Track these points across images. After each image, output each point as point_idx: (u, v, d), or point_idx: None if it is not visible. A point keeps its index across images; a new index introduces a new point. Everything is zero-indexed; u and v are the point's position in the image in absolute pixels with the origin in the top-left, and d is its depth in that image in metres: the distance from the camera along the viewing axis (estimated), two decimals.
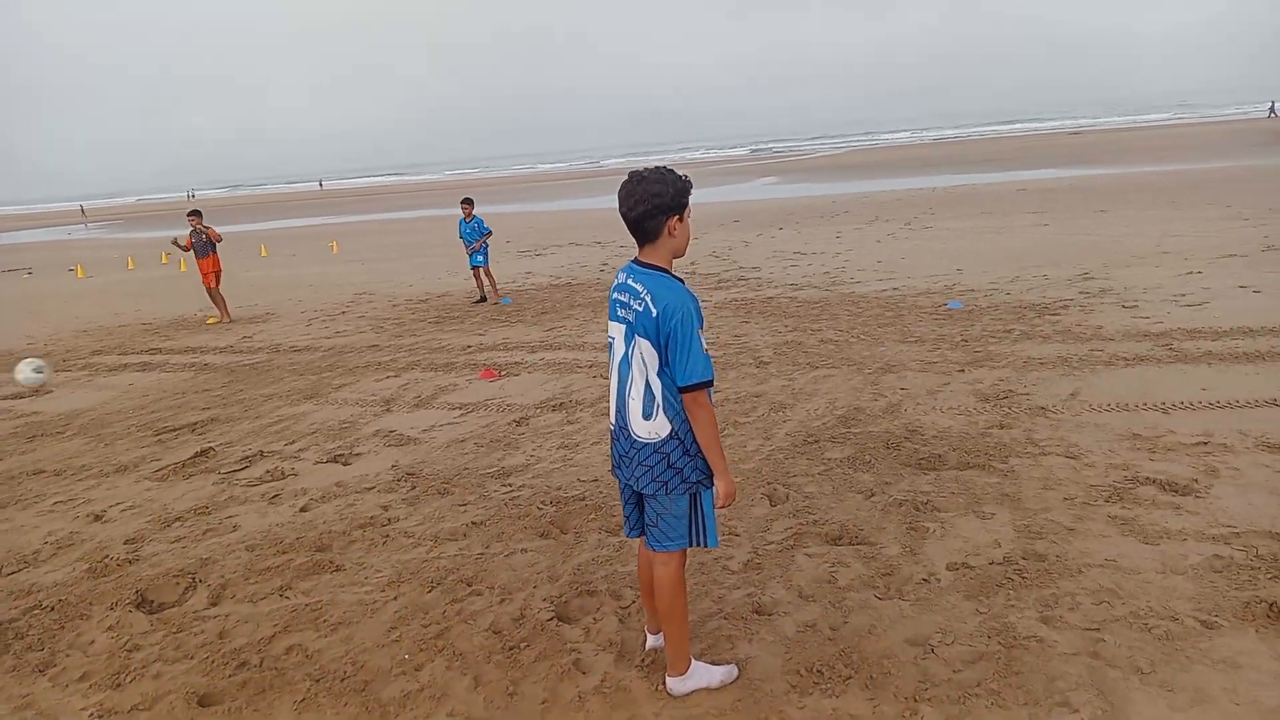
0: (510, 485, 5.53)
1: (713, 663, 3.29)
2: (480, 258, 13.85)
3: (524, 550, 4.54)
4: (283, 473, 6.12)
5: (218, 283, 14.15)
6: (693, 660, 3.19)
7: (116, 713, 3.34)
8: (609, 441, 6.09)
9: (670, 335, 2.88)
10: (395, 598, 4.12)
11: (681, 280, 3.03)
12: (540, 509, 5.07)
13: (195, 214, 14.11)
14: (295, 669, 3.56)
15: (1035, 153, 45.47)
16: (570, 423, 6.83)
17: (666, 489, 3.02)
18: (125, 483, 6.21)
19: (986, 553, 4.07)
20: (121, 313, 16.32)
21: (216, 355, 11.09)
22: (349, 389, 8.61)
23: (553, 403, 7.43)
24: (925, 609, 3.62)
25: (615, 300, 3.12)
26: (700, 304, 3.02)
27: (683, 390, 2.92)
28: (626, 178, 3.00)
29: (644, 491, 3.06)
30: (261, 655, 3.67)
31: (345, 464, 6.26)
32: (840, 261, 14.58)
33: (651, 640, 3.46)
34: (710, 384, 2.93)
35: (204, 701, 3.37)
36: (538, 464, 5.91)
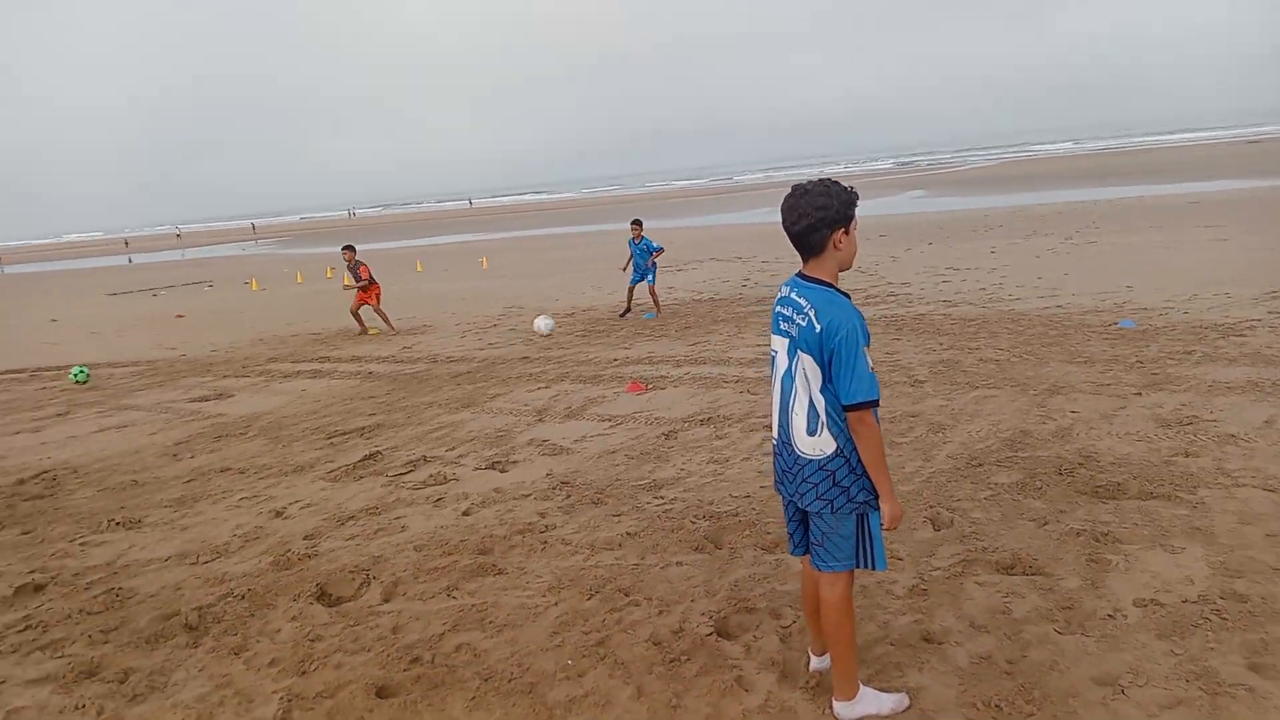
0: (663, 498, 5.56)
1: (882, 689, 3.19)
2: (651, 276, 14.02)
3: (679, 563, 4.54)
4: (445, 477, 6.36)
5: (379, 300, 14.92)
6: (861, 686, 3.11)
7: (303, 698, 3.53)
8: (761, 458, 6.08)
9: (834, 352, 2.83)
10: (556, 603, 4.20)
11: (847, 295, 2.98)
12: (694, 523, 5.07)
13: (349, 249, 15.02)
14: (465, 667, 3.68)
15: (1207, 163, 42.39)
16: (719, 438, 6.81)
17: (832, 507, 2.96)
18: (302, 482, 6.60)
19: (1178, 590, 3.79)
20: (293, 323, 17.43)
21: (380, 364, 11.68)
22: (503, 399, 8.88)
23: (700, 417, 7.44)
24: (1112, 646, 3.40)
25: (778, 314, 3.09)
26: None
27: (847, 409, 2.87)
28: (790, 191, 2.98)
29: (809, 509, 3.01)
30: (433, 652, 3.81)
31: (503, 471, 6.45)
32: (996, 278, 13.99)
33: (815, 662, 3.39)
34: (875, 403, 2.86)
35: (382, 693, 3.52)
36: (688, 478, 5.92)
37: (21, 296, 33.23)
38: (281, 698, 3.53)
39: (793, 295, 3.00)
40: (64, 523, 6.09)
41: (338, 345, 13.77)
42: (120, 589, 4.79)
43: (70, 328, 20.04)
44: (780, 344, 3.06)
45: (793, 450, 3.01)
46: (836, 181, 2.96)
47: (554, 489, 5.90)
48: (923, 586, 4.01)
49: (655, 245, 14.27)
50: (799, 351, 2.94)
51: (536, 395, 8.88)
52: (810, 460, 2.96)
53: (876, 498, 2.95)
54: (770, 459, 5.58)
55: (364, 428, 8.12)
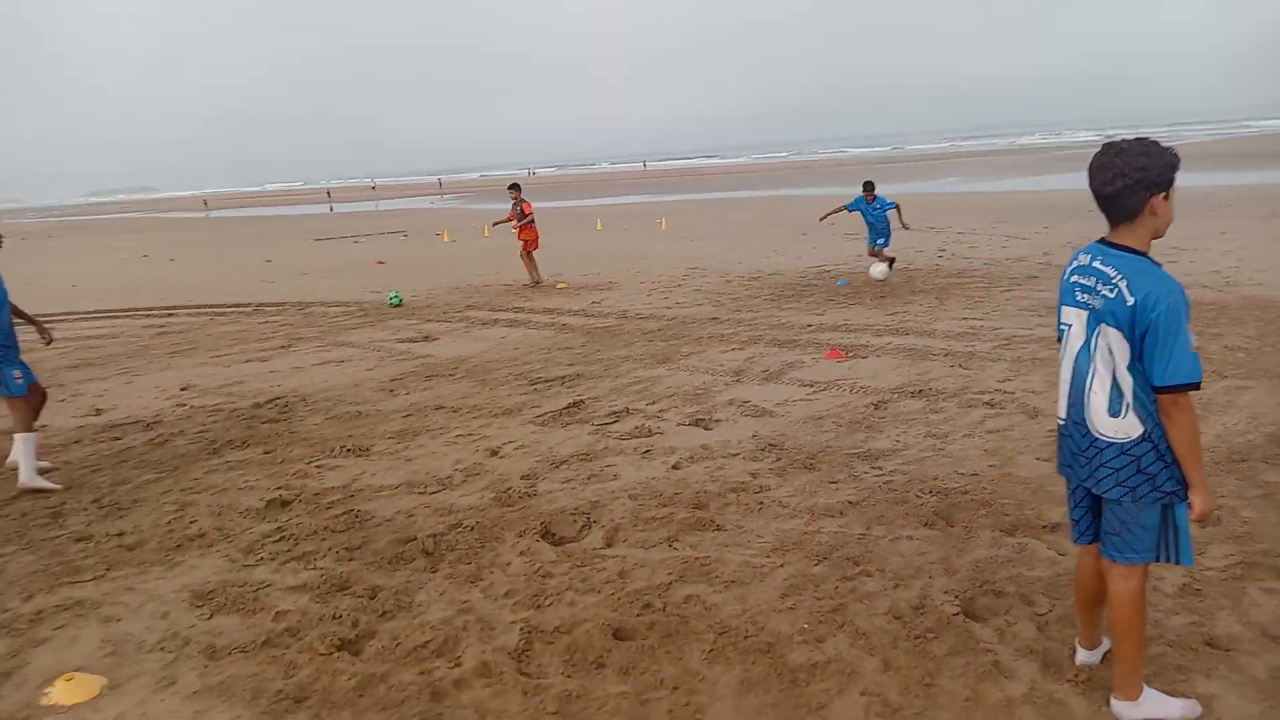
0: (880, 469, 5.35)
1: (1165, 692, 2.92)
2: (883, 240, 13.53)
3: (909, 537, 4.35)
4: (650, 430, 6.38)
5: (534, 246, 15.73)
6: (1145, 686, 2.85)
7: (542, 631, 3.60)
8: (985, 435, 5.71)
9: (1150, 328, 2.55)
10: (781, 565, 4.11)
11: (1160, 265, 2.68)
12: (919, 497, 4.85)
13: (514, 187, 15.57)
14: (697, 619, 3.65)
15: None
16: (934, 411, 6.50)
17: (1134, 495, 2.70)
18: (513, 424, 6.80)
19: None
20: (483, 274, 18.09)
21: (572, 318, 11.90)
22: (697, 357, 8.84)
23: (910, 389, 7.13)
24: None
25: (1074, 284, 2.82)
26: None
27: (1160, 391, 2.58)
28: (1102, 149, 2.70)
29: (1105, 495, 2.76)
30: (664, 600, 3.81)
31: (706, 428, 6.40)
32: (1231, 260, 12.71)
33: (1083, 655, 3.14)
34: (1196, 386, 2.56)
35: (618, 634, 3.54)
36: (906, 450, 5.67)
37: (236, 239, 36.15)
38: (521, 628, 3.62)
39: (1096, 264, 2.73)
40: (300, 446, 6.52)
41: (529, 297, 14.15)
42: (358, 511, 5.07)
43: (283, 268, 21.60)
44: (1075, 316, 2.81)
45: (1088, 432, 2.76)
46: (1156, 141, 2.67)
47: (762, 450, 5.80)
48: (1195, 586, 3.65)
49: (890, 203, 13.63)
50: (1102, 325, 2.68)
51: (731, 356, 8.79)
52: (1111, 443, 2.70)
53: (1185, 488, 2.67)
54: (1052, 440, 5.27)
55: (564, 377, 8.28)
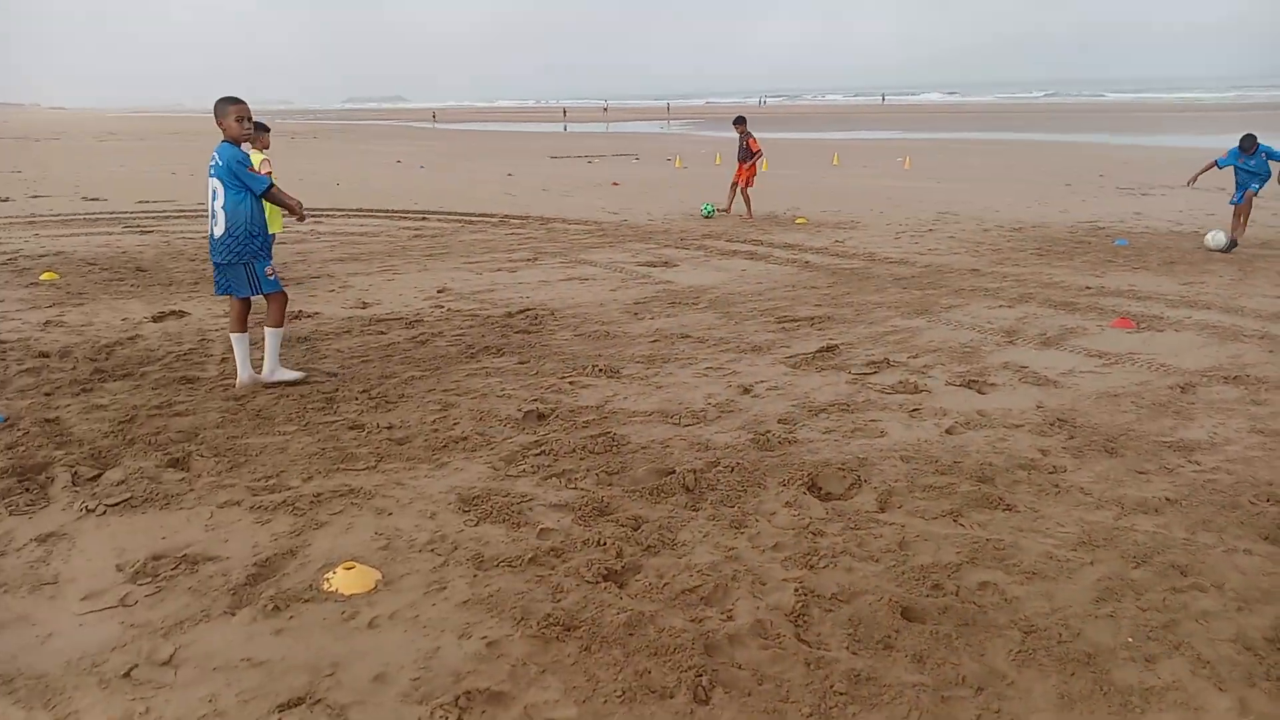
0: (1199, 464, 4.61)
1: None
2: (1255, 186, 11.66)
3: (1247, 551, 3.67)
4: (916, 387, 5.88)
5: (749, 184, 15.33)
6: None
7: (819, 596, 3.31)
8: None
9: None
10: (1091, 562, 3.57)
11: None
12: (1255, 504, 4.11)
13: (740, 120, 15.08)
14: (996, 611, 3.22)
15: None
16: (1257, 403, 5.57)
17: None
18: (763, 363, 6.48)
19: None
20: (719, 202, 17.74)
21: (814, 255, 11.37)
22: (959, 310, 8.14)
23: (1221, 373, 6.17)
24: None
25: None
26: None
27: None
28: None
29: None
30: (955, 583, 3.40)
31: (980, 392, 5.81)
32: None
33: None
34: None
35: (907, 614, 3.18)
36: (1228, 445, 4.87)
37: (479, 152, 37.72)
38: (796, 589, 3.34)
39: None
40: (552, 359, 6.53)
41: (767, 230, 13.70)
42: (614, 435, 4.95)
43: (523, 183, 22.23)
44: None
45: None
46: None
47: (1050, 425, 5.17)
48: None
49: (1277, 152, 11.66)
50: None
51: (999, 314, 8.01)
52: None
53: None
54: None
55: (813, 318, 7.86)
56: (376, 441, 4.88)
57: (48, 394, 5.69)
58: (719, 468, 4.49)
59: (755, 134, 15.90)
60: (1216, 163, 12.12)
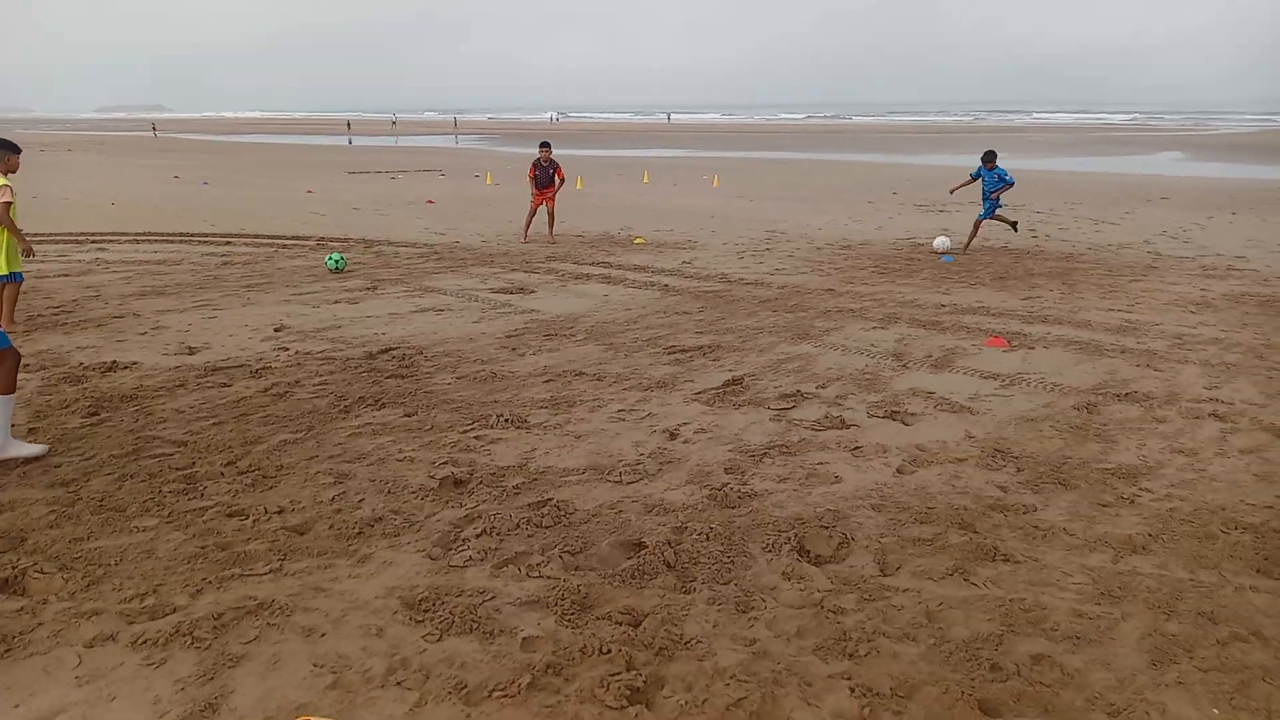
0: (1150, 491, 4.61)
1: None
2: (990, 209, 13.08)
3: (1254, 589, 3.62)
4: (842, 421, 5.63)
5: (553, 203, 14.63)
6: None
7: (878, 694, 2.88)
8: (1243, 456, 4.94)
9: None
10: (1121, 617, 3.38)
11: None
12: (1227, 533, 4.12)
13: (545, 145, 14.45)
14: (1067, 690, 2.92)
15: None
16: (1158, 420, 5.76)
17: None
18: (674, 401, 6.04)
19: None
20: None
21: (669, 278, 11.09)
22: (837, 333, 8.07)
23: (1111, 390, 6.37)
24: None
25: None
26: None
27: None
28: None
29: None
30: (1011, 661, 3.08)
31: (905, 424, 5.65)
32: None
33: None
34: None
35: (985, 708, 2.82)
36: (1162, 469, 4.93)
37: (265, 166, 35.05)
38: (850, 689, 2.89)
39: None
40: (442, 410, 5.77)
41: (610, 251, 13.33)
42: (555, 502, 4.33)
43: (328, 201, 20.67)
44: None
45: None
46: None
47: (991, 457, 5.05)
48: None
49: (1009, 178, 13.20)
50: None
51: (877, 336, 8.01)
52: None
53: None
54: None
55: (701, 347, 7.51)
56: (269, 533, 3.99)
57: None
58: (691, 535, 3.98)
59: (556, 150, 14.97)
60: (971, 175, 13.75)
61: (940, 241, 13.45)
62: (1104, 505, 4.42)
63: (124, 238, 14.02)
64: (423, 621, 3.27)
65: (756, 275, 11.27)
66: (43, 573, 3.54)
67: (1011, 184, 13.32)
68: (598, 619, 3.30)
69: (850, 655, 3.10)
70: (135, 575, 3.58)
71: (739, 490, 4.51)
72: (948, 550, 3.89)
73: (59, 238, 13.98)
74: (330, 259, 11.17)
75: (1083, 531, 4.11)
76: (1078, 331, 8.22)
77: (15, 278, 7.74)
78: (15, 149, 7.58)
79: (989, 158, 13.39)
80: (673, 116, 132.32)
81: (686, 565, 3.72)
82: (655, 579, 3.61)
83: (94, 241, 13.53)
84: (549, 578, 3.60)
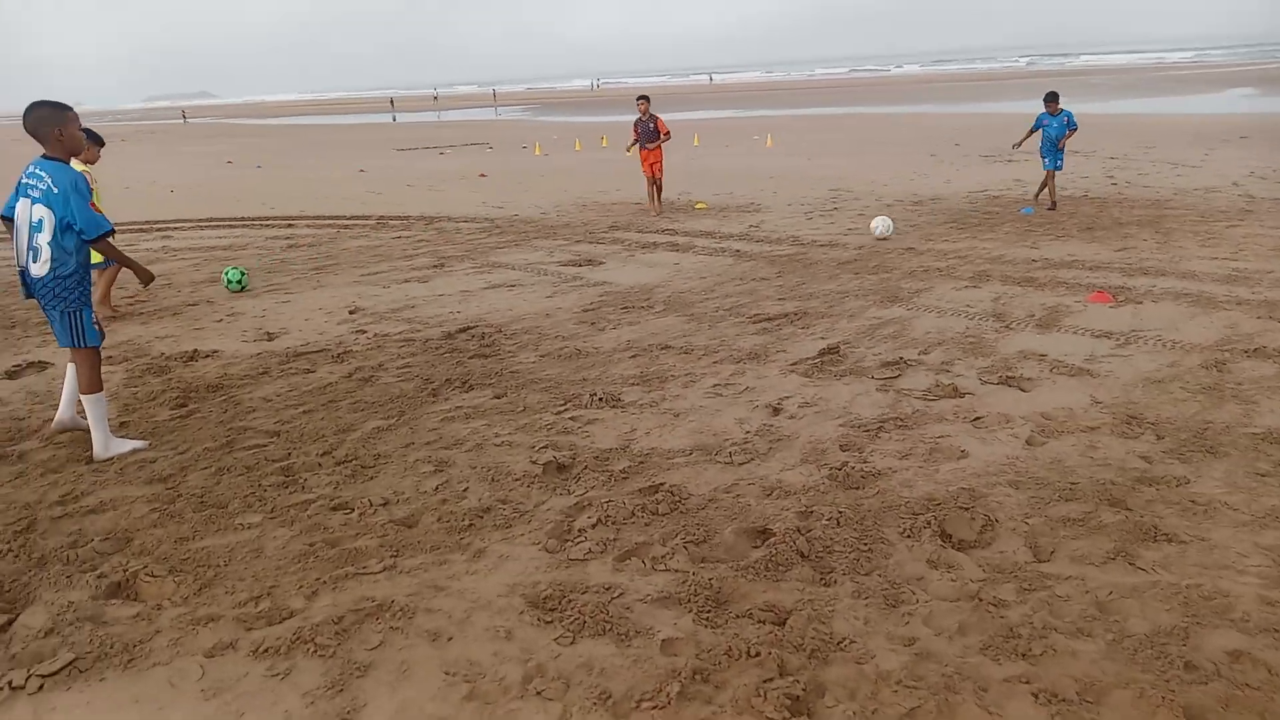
0: None
1: None
2: (1059, 161, 12.13)
3: None
4: (956, 389, 5.31)
5: (662, 173, 13.56)
6: None
7: (1064, 700, 2.61)
8: None
9: None
10: None
11: None
12: None
13: (643, 99, 13.61)
14: (1276, 692, 2.62)
15: None
16: None
17: None
18: (771, 373, 5.77)
19: None
20: (605, 190, 16.92)
21: (739, 243, 10.76)
22: (928, 294, 7.70)
23: (1235, 346, 5.94)
24: None
25: None
26: None
27: None
28: None
29: None
30: (1206, 659, 2.78)
31: (1023, 390, 5.31)
32: None
33: None
34: None
35: (1192, 715, 2.53)
36: None
37: (314, 147, 35.22)
38: (1032, 694, 2.63)
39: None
40: (532, 390, 5.57)
41: (673, 218, 13.00)
42: (667, 486, 4.10)
43: (381, 179, 20.61)
44: None
45: None
46: None
47: (1125, 424, 4.70)
48: None
49: (1075, 122, 12.18)
50: None
51: (970, 295, 7.62)
52: None
53: None
54: None
55: (788, 314, 7.21)
56: (377, 526, 3.83)
57: None
58: (820, 520, 3.73)
59: (660, 115, 13.64)
60: (1032, 126, 12.55)
61: (880, 224, 10.63)
62: (1262, 475, 4.06)
63: (186, 224, 14.07)
64: (552, 622, 3.07)
65: (830, 236, 10.88)
66: (154, 576, 3.42)
67: (1075, 128, 12.30)
68: (738, 617, 3.07)
69: (1024, 655, 2.82)
70: (246, 576, 3.43)
71: (860, 469, 4.23)
72: (1103, 531, 3.58)
73: (125, 227, 14.06)
74: (229, 276, 8.88)
75: (1246, 505, 3.77)
76: (1184, 283, 7.74)
77: (110, 262, 7.77)
78: (100, 140, 7.73)
79: (1052, 98, 12.26)
80: (714, 77, 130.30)
81: (821, 554, 3.47)
82: (790, 570, 3.36)
83: (158, 229, 13.60)
84: (677, 571, 3.38)
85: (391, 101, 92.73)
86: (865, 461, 4.34)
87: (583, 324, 7.20)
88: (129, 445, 4.71)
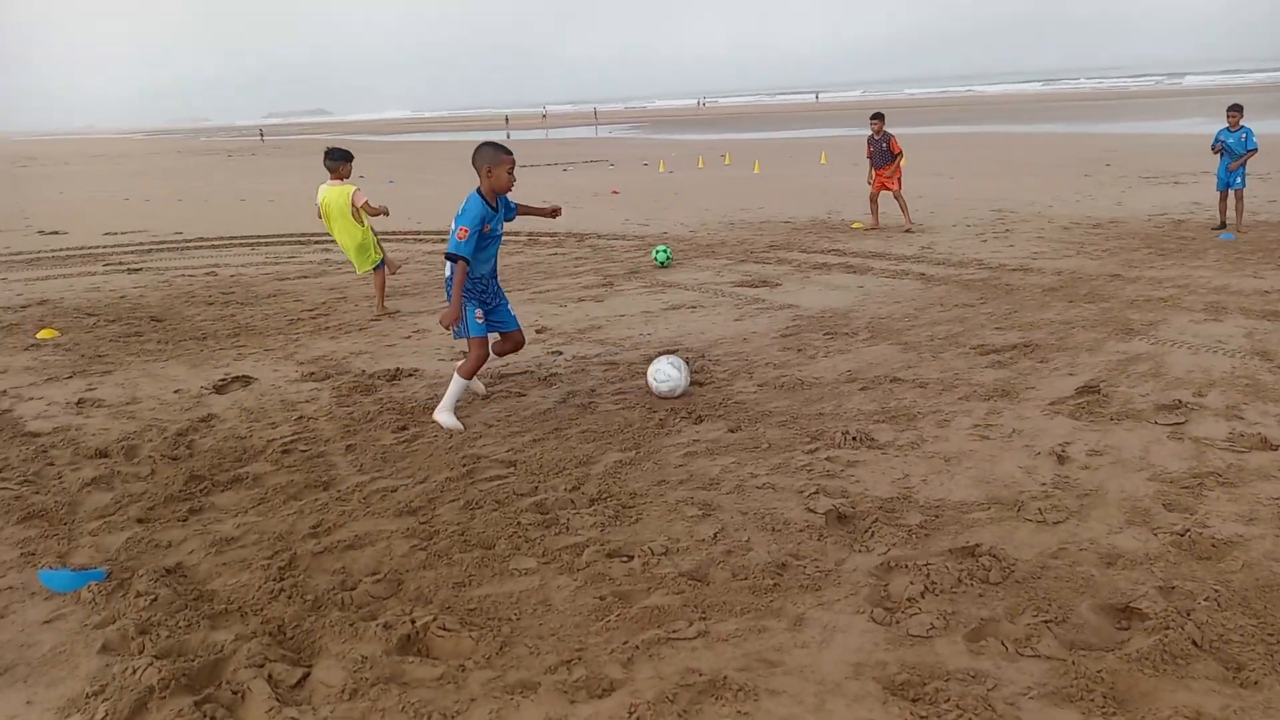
0: None
1: None
2: (1239, 179, 11.31)
3: None
4: (1265, 440, 4.64)
5: (899, 186, 12.99)
6: None
7: None
8: None
9: None
10: None
11: None
12: None
13: (877, 117, 13.00)
14: None
15: None
16: None
17: None
18: (1032, 413, 5.20)
19: None
20: (747, 208, 16.50)
21: (920, 265, 10.17)
22: (1165, 327, 6.99)
23: None
24: None
25: None
26: None
27: None
28: None
29: None
30: None
31: None
32: None
33: None
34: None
35: None
36: None
37: (438, 162, 35.88)
38: None
39: None
40: (769, 425, 5.14)
41: (833, 238, 12.48)
42: (987, 548, 3.59)
43: (516, 195, 20.58)
44: None
45: None
46: None
47: None
48: None
49: (1254, 142, 11.36)
50: None
51: (1216, 329, 6.87)
52: None
53: None
54: None
55: (1015, 346, 6.61)
56: (668, 580, 3.43)
57: (140, 520, 4.09)
58: (1188, 599, 3.16)
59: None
60: (1214, 143, 11.78)
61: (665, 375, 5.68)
62: None
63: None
64: (927, 717, 2.60)
65: (1017, 260, 10.18)
66: (446, 630, 3.09)
67: (1255, 150, 11.39)
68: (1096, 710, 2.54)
69: None
70: (545, 635, 3.08)
71: (1204, 535, 3.64)
72: None
73: (281, 239, 14.33)
74: (660, 253, 10.59)
75: None
76: None
77: (380, 265, 8.31)
78: (349, 156, 7.98)
79: (1235, 110, 11.43)
80: (820, 96, 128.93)
81: (1217, 644, 2.91)
82: (1190, 664, 2.81)
83: (316, 241, 13.76)
84: (1050, 658, 2.87)
85: (506, 119, 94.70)
86: (1205, 526, 3.74)
87: (788, 350, 6.75)
88: (451, 422, 5.20)
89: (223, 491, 4.41)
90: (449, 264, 5.09)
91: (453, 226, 5.05)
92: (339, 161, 7.86)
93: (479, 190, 5.12)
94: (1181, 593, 3.22)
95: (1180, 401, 5.28)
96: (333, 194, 7.87)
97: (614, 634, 3.06)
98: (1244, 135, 11.37)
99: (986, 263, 10.10)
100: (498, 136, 62.77)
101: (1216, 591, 3.20)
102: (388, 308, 8.49)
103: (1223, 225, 11.52)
